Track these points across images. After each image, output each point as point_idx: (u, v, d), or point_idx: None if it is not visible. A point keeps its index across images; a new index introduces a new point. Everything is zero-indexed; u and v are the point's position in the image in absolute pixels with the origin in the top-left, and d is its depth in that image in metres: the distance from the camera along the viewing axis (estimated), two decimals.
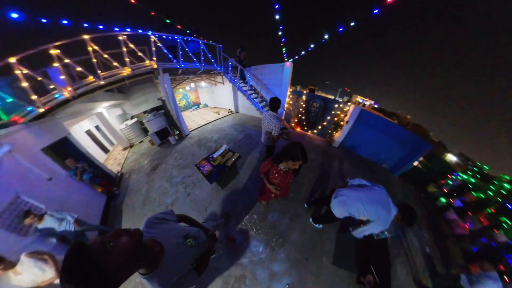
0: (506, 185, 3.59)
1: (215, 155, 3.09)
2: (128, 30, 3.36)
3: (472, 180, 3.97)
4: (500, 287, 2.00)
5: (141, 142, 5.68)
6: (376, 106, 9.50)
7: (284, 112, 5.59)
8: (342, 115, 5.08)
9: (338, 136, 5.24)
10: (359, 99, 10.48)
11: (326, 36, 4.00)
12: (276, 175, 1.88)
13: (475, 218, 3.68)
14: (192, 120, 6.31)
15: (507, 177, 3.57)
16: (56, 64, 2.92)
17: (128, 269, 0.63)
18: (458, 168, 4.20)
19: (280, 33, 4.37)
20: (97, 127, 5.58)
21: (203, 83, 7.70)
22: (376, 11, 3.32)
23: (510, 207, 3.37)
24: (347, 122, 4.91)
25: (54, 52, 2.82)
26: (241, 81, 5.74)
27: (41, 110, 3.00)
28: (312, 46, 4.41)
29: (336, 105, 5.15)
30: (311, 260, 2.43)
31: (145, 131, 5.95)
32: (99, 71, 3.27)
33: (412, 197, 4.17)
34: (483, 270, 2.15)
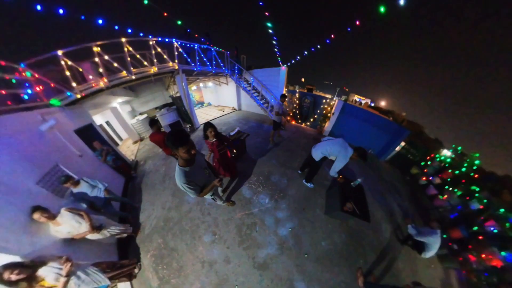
0: (477, 161, 4.27)
1: (231, 134, 3.93)
2: (159, 38, 4.08)
3: (448, 160, 4.66)
4: (438, 241, 2.54)
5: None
6: (372, 104, 10.50)
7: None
8: (329, 108, 5.96)
9: (327, 126, 6.08)
10: (356, 97, 11.56)
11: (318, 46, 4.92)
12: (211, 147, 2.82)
13: (451, 191, 4.31)
14: (198, 116, 6.85)
15: (477, 155, 4.28)
16: (96, 59, 3.49)
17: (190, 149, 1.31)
18: (435, 151, 4.91)
19: (274, 42, 5.26)
20: (107, 123, 5.99)
21: (210, 83, 8.51)
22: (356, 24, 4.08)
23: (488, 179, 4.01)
24: (333, 113, 5.73)
25: (96, 49, 3.41)
26: (245, 82, 6.56)
27: (79, 96, 3.47)
28: (305, 53, 5.32)
29: (324, 101, 6.13)
30: (307, 210, 3.06)
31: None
32: (132, 68, 3.87)
33: (398, 179, 4.82)
34: (431, 227, 2.66)
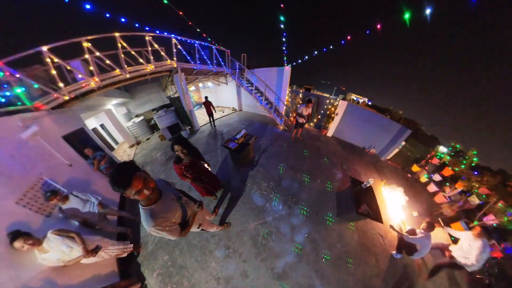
0: (475, 159, 4.40)
1: (237, 137, 3.60)
2: (157, 31, 3.74)
3: (448, 157, 4.78)
4: (429, 244, 2.44)
5: (148, 139, 5.73)
6: (369, 103, 10.64)
7: (284, 108, 6.35)
8: (332, 109, 5.94)
9: (331, 126, 6.02)
10: (353, 96, 11.70)
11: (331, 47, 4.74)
12: (188, 170, 2.12)
13: (452, 187, 4.42)
14: (198, 118, 6.55)
15: (475, 152, 4.41)
16: (86, 56, 3.14)
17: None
18: (434, 150, 5.04)
19: (283, 39, 5.08)
20: (102, 126, 5.54)
21: (209, 83, 8.17)
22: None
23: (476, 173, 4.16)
24: (336, 114, 5.69)
25: (86, 44, 3.06)
26: (247, 82, 6.33)
27: (67, 97, 3.10)
28: (315, 52, 5.16)
29: (328, 101, 6.10)
30: (320, 214, 3.01)
31: (152, 128, 6.02)
32: (126, 66, 3.53)
33: (400, 176, 4.85)
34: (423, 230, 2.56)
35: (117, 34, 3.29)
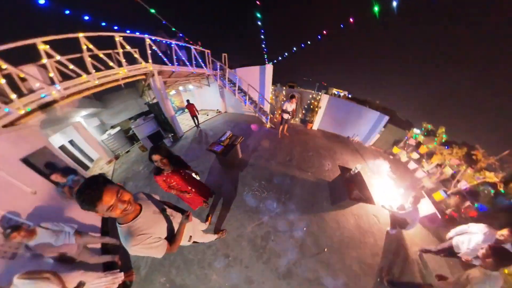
0: (444, 135, 4.96)
1: (222, 139, 3.43)
2: (128, 31, 3.39)
3: (422, 137, 5.31)
4: (417, 217, 2.58)
5: (127, 152, 5.19)
6: (349, 96, 11.34)
7: (269, 106, 6.40)
8: (316, 103, 6.21)
9: (316, 120, 6.28)
10: (335, 91, 12.35)
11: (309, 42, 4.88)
12: (172, 181, 1.91)
13: (428, 162, 4.91)
14: (181, 123, 6.18)
15: (444, 130, 4.97)
16: (44, 61, 2.70)
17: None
18: (410, 132, 5.57)
19: (262, 36, 5.09)
20: (71, 142, 4.83)
21: (190, 86, 7.77)
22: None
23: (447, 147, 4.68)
24: (320, 107, 5.93)
25: (42, 47, 2.64)
26: (229, 82, 6.19)
27: (22, 111, 2.64)
28: (294, 49, 5.27)
29: (310, 96, 6.33)
30: (315, 206, 3.06)
31: (130, 139, 5.49)
32: (94, 71, 3.13)
33: (383, 159, 5.24)
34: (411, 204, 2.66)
35: (81, 35, 2.87)
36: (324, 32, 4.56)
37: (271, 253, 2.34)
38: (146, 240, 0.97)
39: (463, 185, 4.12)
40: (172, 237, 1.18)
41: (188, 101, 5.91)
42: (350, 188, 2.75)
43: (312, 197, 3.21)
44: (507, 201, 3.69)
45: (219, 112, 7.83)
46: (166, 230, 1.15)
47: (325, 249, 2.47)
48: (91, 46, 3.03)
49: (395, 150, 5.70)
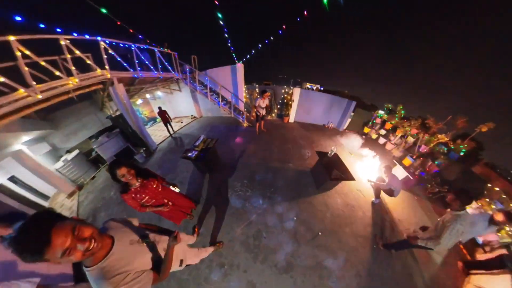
0: (403, 112, 5.71)
1: (196, 144, 3.22)
2: (75, 34, 2.92)
3: (385, 115, 6.02)
4: (399, 184, 2.87)
5: (93, 178, 4.39)
6: (321, 88, 12.20)
7: (244, 105, 6.41)
8: (289, 97, 6.49)
9: (291, 113, 6.54)
10: (308, 85, 13.24)
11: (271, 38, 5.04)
12: (144, 196, 1.69)
13: (394, 135, 5.60)
14: (153, 135, 5.60)
15: (402, 107, 5.72)
16: None
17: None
18: (376, 113, 6.28)
19: (226, 35, 5.09)
20: (12, 179, 3.79)
21: (159, 93, 7.16)
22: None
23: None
24: (293, 101, 6.22)
25: None
26: (200, 84, 5.97)
27: None
28: (259, 46, 5.40)
29: (283, 91, 6.60)
30: (302, 194, 3.13)
31: (95, 162, 4.72)
32: (34, 83, 2.57)
33: (358, 139, 5.74)
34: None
35: (12, 38, 2.30)
36: (284, 26, 4.82)
37: (267, 251, 2.28)
38: (125, 279, 0.78)
39: (423, 149, 4.81)
40: (157, 266, 0.99)
41: (160, 108, 5.58)
42: (329, 170, 2.83)
43: (296, 186, 3.24)
44: (456, 155, 4.43)
45: (194, 117, 7.45)
46: (150, 261, 0.96)
47: (319, 233, 2.49)
48: (27, 52, 2.49)
49: (366, 130, 6.33)
